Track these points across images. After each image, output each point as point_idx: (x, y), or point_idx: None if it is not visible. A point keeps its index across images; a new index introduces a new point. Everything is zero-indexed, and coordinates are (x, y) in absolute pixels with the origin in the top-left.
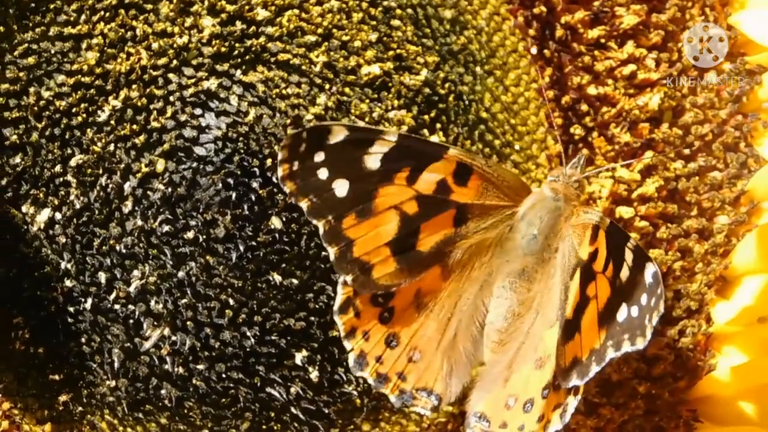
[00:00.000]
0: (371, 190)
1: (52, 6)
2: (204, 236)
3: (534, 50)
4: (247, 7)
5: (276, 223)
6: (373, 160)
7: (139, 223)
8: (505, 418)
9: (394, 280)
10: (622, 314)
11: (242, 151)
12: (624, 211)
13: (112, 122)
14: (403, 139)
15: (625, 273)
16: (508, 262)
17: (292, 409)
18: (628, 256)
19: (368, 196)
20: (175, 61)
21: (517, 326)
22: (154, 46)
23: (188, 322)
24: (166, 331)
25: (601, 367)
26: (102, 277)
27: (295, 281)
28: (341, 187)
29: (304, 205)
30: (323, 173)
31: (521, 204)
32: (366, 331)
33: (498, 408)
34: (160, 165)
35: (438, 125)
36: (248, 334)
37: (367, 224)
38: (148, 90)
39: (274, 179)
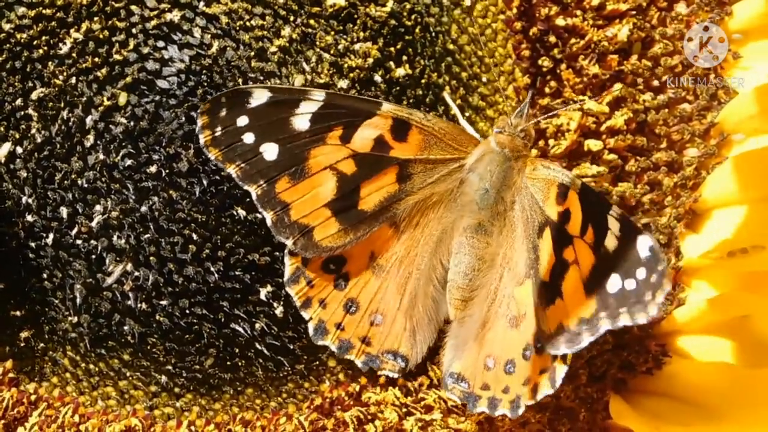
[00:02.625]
0: (303, 152)
1: None
2: (167, 170)
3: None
4: None
5: None
6: (300, 121)
7: (101, 157)
8: (487, 379)
9: (338, 242)
10: (613, 285)
11: (206, 84)
12: (593, 144)
13: (74, 55)
14: (331, 98)
15: (611, 242)
16: (463, 217)
17: (257, 345)
18: (613, 224)
19: (300, 158)
20: None
21: (480, 283)
22: None
23: (151, 258)
24: (129, 267)
25: (596, 338)
26: (64, 211)
27: (259, 216)
28: (270, 151)
29: (232, 171)
30: (249, 138)
31: (468, 156)
32: (322, 299)
33: (476, 369)
34: (123, 98)
35: (404, 57)
36: (212, 269)
37: (302, 186)
38: (110, 22)
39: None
